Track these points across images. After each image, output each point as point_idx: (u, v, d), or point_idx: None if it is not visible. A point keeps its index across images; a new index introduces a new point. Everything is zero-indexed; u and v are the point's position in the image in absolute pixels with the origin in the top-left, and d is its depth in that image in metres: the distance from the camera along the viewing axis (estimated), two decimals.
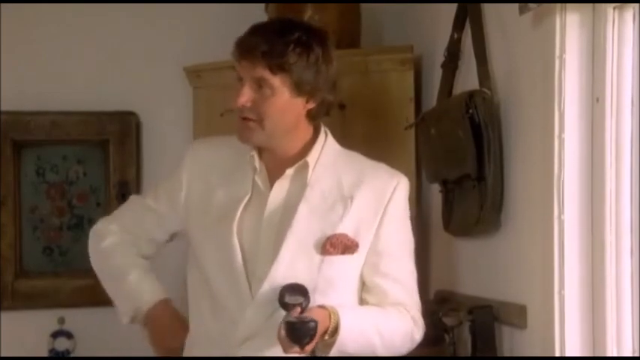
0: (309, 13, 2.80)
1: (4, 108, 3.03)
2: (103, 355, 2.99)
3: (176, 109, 3.09)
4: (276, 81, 1.78)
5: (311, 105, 1.85)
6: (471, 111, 2.01)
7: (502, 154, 2.01)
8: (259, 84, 1.79)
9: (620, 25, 1.66)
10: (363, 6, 2.92)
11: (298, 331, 1.65)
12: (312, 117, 1.88)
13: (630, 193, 1.64)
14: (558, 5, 1.71)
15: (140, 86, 3.12)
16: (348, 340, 1.75)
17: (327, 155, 1.90)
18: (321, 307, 1.74)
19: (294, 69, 1.78)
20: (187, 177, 1.95)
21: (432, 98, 2.50)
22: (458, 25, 2.27)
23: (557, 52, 1.72)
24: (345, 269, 1.85)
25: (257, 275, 1.82)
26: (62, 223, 3.11)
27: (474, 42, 2.13)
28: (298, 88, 1.80)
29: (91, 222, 3.08)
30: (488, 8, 2.12)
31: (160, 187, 2.03)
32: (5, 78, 3.03)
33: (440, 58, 2.37)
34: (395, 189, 1.89)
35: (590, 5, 1.70)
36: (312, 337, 1.66)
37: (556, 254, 1.73)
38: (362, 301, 1.89)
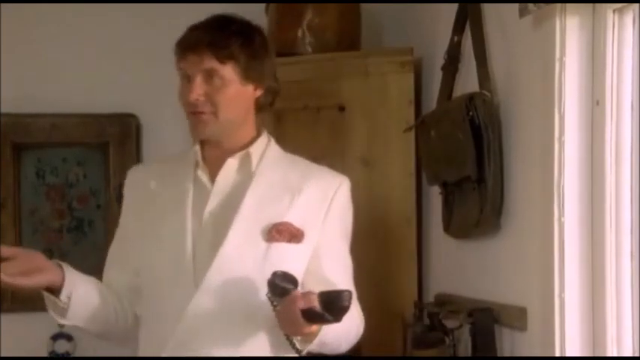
0: (309, 15, 2.81)
1: (4, 110, 3.03)
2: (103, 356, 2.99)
3: (176, 112, 3.03)
4: (226, 70, 1.83)
5: (259, 92, 1.90)
6: (471, 113, 2.01)
7: (502, 157, 2.01)
8: (209, 75, 1.83)
9: (620, 27, 1.66)
10: (363, 8, 2.92)
11: (335, 301, 1.63)
12: (260, 107, 1.93)
13: (630, 195, 1.64)
14: (558, 8, 1.71)
15: (140, 88, 3.12)
16: (328, 337, 1.74)
17: (272, 152, 1.95)
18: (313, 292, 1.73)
19: (241, 57, 1.83)
20: (128, 201, 2.00)
21: (431, 100, 2.50)
22: (458, 28, 2.27)
23: (557, 55, 1.72)
24: (291, 258, 1.85)
25: (203, 265, 1.82)
26: (62, 226, 3.11)
27: (474, 44, 2.13)
28: (246, 76, 1.85)
29: (91, 224, 3.11)
30: (488, 11, 2.12)
31: (119, 227, 2.04)
32: (5, 80, 3.03)
33: (440, 61, 2.37)
34: (338, 188, 1.93)
35: (590, 8, 1.70)
36: (347, 307, 1.64)
37: (556, 257, 1.73)
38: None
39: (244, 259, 1.82)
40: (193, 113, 1.86)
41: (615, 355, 1.66)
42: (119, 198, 3.02)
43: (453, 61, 2.31)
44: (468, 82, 2.21)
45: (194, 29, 1.87)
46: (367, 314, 2.65)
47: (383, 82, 2.70)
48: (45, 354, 3.02)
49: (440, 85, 2.37)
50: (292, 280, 1.70)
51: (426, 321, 2.33)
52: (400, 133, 2.60)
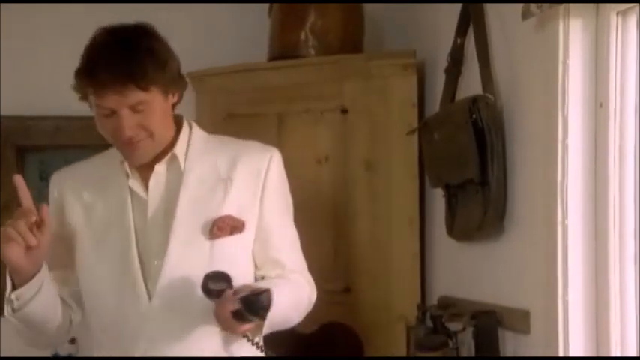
0: (312, 18, 2.81)
1: (6, 113, 3.03)
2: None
3: (179, 114, 3.08)
4: (150, 95, 1.77)
5: (177, 97, 1.88)
6: (474, 116, 2.01)
7: (505, 159, 2.00)
8: (135, 106, 1.76)
9: (623, 30, 1.66)
10: (366, 10, 2.93)
11: (254, 304, 1.67)
12: (174, 107, 1.90)
13: (634, 198, 1.64)
14: (561, 10, 1.70)
15: None
16: (275, 317, 1.75)
17: (197, 143, 1.91)
18: (247, 286, 1.75)
19: (158, 76, 1.78)
20: (60, 210, 1.91)
21: (434, 103, 2.50)
22: (461, 30, 2.27)
23: (561, 57, 1.72)
24: (235, 249, 1.86)
25: (152, 275, 1.82)
26: None
27: (477, 47, 2.13)
28: (166, 91, 1.82)
29: None
30: (491, 13, 2.12)
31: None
32: (8, 83, 3.04)
33: (443, 63, 2.37)
34: (269, 163, 1.90)
35: (593, 10, 1.70)
36: (268, 306, 1.69)
37: (559, 260, 1.73)
38: (261, 277, 1.89)
39: (191, 262, 1.81)
40: (126, 144, 1.80)
41: (619, 356, 1.66)
42: None
43: (455, 63, 2.31)
44: (470, 84, 2.21)
45: (99, 63, 1.75)
46: (371, 316, 2.67)
47: (386, 85, 2.70)
48: (48, 356, 3.02)
49: (443, 88, 2.37)
50: (225, 278, 1.72)
51: (429, 324, 2.33)
52: (403, 136, 2.60)
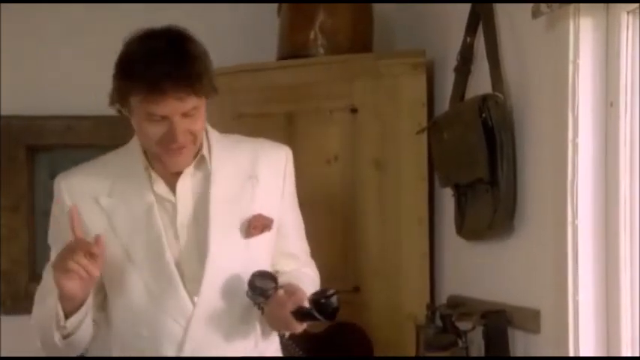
0: (321, 17, 2.81)
1: (17, 112, 3.05)
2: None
3: None
4: (201, 101, 1.76)
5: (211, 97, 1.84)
6: (483, 115, 2.00)
7: (515, 159, 2.00)
8: (188, 112, 1.74)
9: (634, 29, 1.65)
10: (376, 9, 2.92)
11: (327, 306, 1.69)
12: None
13: None
14: (572, 9, 1.70)
15: None
16: None
17: (217, 143, 1.89)
18: (291, 285, 1.77)
19: (207, 82, 1.76)
20: (69, 215, 1.79)
21: (444, 102, 2.49)
22: (470, 29, 2.27)
23: (571, 57, 1.71)
24: (266, 246, 1.89)
25: (190, 277, 1.80)
26: None
27: (486, 46, 2.13)
28: (208, 95, 1.79)
29: None
30: (500, 12, 2.12)
31: (52, 251, 1.89)
32: (19, 82, 3.05)
33: (452, 63, 2.37)
34: (286, 162, 1.93)
35: (603, 10, 1.69)
36: (338, 307, 1.70)
37: (570, 259, 1.72)
38: (275, 271, 1.90)
39: (231, 261, 1.82)
40: (171, 150, 1.77)
41: (630, 356, 1.65)
42: None
43: (465, 62, 2.31)
44: (480, 83, 2.21)
45: (154, 66, 1.69)
46: (380, 316, 2.67)
47: (395, 84, 2.70)
48: None
49: (452, 87, 2.36)
50: (272, 278, 1.75)
51: (439, 323, 2.32)
52: (412, 135, 2.60)
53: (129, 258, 1.81)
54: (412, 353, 2.58)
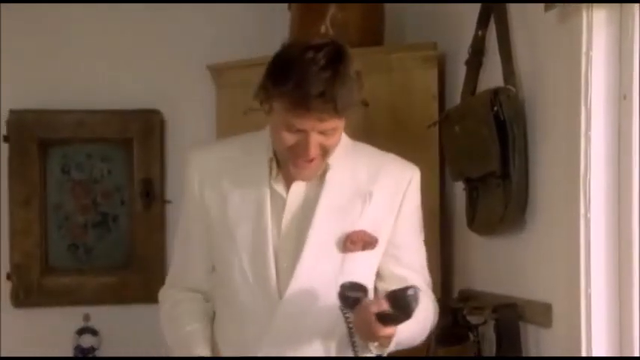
0: (332, 11, 2.80)
1: (29, 107, 3.06)
2: (127, 355, 3.01)
3: (199, 108, 3.10)
4: (342, 122, 1.79)
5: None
6: (495, 108, 1.99)
7: (527, 152, 1.99)
8: (326, 131, 1.76)
9: None
10: (386, 3, 2.91)
11: (402, 298, 1.65)
12: None
13: None
14: (585, 2, 1.69)
15: (164, 85, 3.13)
16: (403, 334, 1.76)
17: (340, 151, 1.89)
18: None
19: (353, 104, 1.77)
20: (199, 191, 1.92)
21: (455, 96, 2.48)
22: (482, 22, 2.25)
23: (584, 49, 1.70)
24: (365, 265, 1.88)
25: (281, 277, 1.83)
26: (87, 221, 3.14)
27: (498, 39, 2.12)
28: (349, 114, 1.79)
29: (116, 220, 3.14)
30: (513, 4, 2.10)
31: (184, 220, 1.99)
32: (31, 76, 3.06)
33: (464, 56, 2.36)
34: (410, 182, 1.93)
35: (617, 2, 1.68)
36: (416, 301, 1.65)
37: (582, 253, 1.71)
38: (383, 290, 1.89)
39: (322, 272, 1.83)
40: (305, 161, 1.80)
41: None
42: (146, 193, 3.06)
43: (477, 55, 2.30)
44: (492, 77, 2.19)
45: (311, 82, 1.69)
46: None
47: (407, 78, 2.68)
48: (70, 348, 3.05)
49: (464, 80, 2.35)
50: (362, 288, 1.72)
51: (450, 317, 2.32)
52: (424, 129, 2.59)
53: (233, 240, 1.86)
54: (423, 347, 2.58)
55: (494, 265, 2.27)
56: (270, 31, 3.03)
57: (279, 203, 1.87)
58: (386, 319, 1.67)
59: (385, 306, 1.66)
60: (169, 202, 3.12)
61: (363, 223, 1.86)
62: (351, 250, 1.85)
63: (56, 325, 3.05)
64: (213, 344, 1.92)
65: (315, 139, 1.75)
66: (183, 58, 3.14)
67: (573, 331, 1.74)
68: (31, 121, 3.06)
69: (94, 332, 3.06)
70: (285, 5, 2.95)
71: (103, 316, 3.08)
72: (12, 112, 3.05)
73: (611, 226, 1.70)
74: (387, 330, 1.69)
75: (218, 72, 2.94)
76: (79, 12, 3.09)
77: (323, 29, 2.79)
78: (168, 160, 3.15)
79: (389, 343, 1.75)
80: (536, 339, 1.98)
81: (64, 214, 3.12)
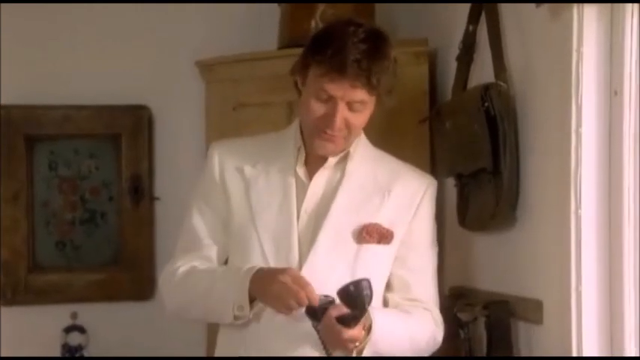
0: (322, 7, 2.79)
1: (16, 102, 3.04)
2: (115, 353, 3.00)
3: (188, 103, 3.08)
4: (371, 99, 1.83)
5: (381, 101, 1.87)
6: (486, 104, 1.99)
7: (518, 148, 1.99)
8: (353, 104, 1.80)
9: (638, 17, 1.63)
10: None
11: (350, 292, 1.66)
12: None
13: None
14: None
15: (152, 80, 3.12)
16: (380, 341, 1.78)
17: (362, 149, 1.95)
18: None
19: (384, 85, 1.82)
20: (220, 176, 1.94)
21: (446, 91, 2.48)
22: (473, 18, 2.24)
23: (575, 45, 1.70)
24: (380, 259, 1.89)
25: (302, 263, 1.84)
26: (75, 218, 3.12)
27: (489, 34, 2.11)
28: (379, 94, 1.84)
29: (103, 216, 3.12)
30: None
31: (198, 200, 1.98)
32: (17, 72, 3.04)
33: (455, 51, 2.35)
34: (427, 189, 1.96)
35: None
36: (370, 295, 1.67)
37: (573, 249, 1.71)
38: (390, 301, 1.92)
39: (335, 261, 1.84)
40: (325, 133, 1.83)
41: (633, 349, 1.64)
42: (134, 190, 3.05)
43: (468, 50, 2.29)
44: (483, 72, 2.19)
45: (351, 49, 1.76)
46: None
47: (397, 73, 2.67)
48: (58, 346, 3.03)
49: (455, 76, 2.35)
50: (329, 301, 1.73)
51: (441, 314, 2.31)
52: (415, 125, 2.58)
53: (254, 225, 1.87)
54: None
55: (486, 262, 2.27)
56: (259, 28, 3.03)
57: (301, 191, 1.90)
58: (345, 320, 1.69)
59: (345, 309, 1.69)
60: (158, 198, 3.11)
61: (381, 218, 1.89)
62: (367, 242, 1.86)
63: (44, 323, 3.03)
64: (226, 333, 1.91)
65: (343, 111, 1.79)
66: (171, 54, 3.12)
67: (564, 327, 1.74)
68: (17, 117, 3.04)
69: (81, 330, 3.04)
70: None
71: (90, 313, 3.06)
72: None
73: (602, 223, 1.70)
74: (351, 332, 1.71)
75: (207, 68, 2.92)
76: (66, 7, 3.07)
77: (313, 24, 2.78)
78: (156, 156, 3.13)
79: (360, 348, 1.75)
80: (527, 336, 1.98)
81: (51, 210, 3.10)
